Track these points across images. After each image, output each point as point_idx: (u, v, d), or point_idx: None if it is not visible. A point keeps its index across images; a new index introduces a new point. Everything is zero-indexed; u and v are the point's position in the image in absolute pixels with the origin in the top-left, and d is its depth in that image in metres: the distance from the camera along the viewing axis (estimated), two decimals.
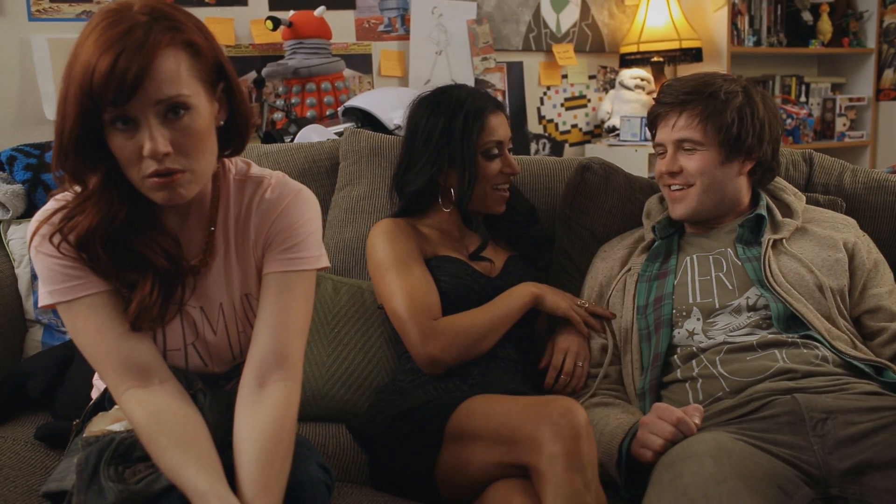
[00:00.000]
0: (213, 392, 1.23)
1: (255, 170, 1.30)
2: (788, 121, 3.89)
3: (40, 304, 1.19)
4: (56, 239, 1.13)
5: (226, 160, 1.28)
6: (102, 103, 1.04)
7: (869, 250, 1.65)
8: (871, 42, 3.99)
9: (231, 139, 1.22)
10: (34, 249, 1.16)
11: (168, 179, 1.09)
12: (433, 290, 1.63)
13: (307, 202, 1.28)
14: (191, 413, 1.15)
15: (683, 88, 1.65)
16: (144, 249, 1.15)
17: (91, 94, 1.03)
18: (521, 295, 1.66)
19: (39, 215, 1.17)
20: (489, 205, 1.75)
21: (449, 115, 1.70)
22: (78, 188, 1.14)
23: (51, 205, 1.17)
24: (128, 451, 1.14)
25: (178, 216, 1.23)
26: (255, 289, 1.27)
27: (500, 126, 1.73)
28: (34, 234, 1.15)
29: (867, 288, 1.59)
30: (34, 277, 1.96)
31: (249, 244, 1.26)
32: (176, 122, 1.08)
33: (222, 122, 1.19)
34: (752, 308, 1.55)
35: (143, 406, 1.13)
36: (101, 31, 1.05)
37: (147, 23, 1.06)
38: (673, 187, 1.68)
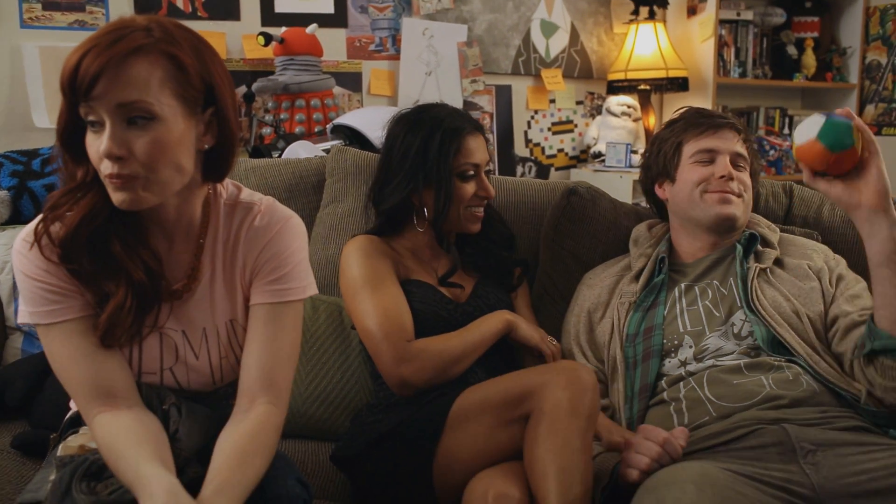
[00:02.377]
0: (188, 405, 1.23)
1: (245, 194, 1.29)
2: (771, 152, 3.94)
3: (20, 319, 1.20)
4: (40, 228, 1.14)
5: (217, 184, 1.27)
6: (72, 99, 1.07)
7: (832, 270, 1.67)
8: (854, 77, 4.05)
9: (212, 166, 1.21)
10: (16, 269, 1.17)
11: (122, 182, 1.09)
12: (407, 311, 1.60)
13: (295, 231, 1.28)
14: (151, 425, 1.16)
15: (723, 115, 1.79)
16: (124, 259, 1.16)
17: (62, 89, 1.06)
18: (495, 322, 1.65)
19: (24, 232, 1.17)
20: (463, 225, 1.73)
21: (426, 134, 1.68)
22: None
23: (39, 219, 1.18)
24: (100, 471, 1.14)
25: (166, 239, 1.23)
26: (241, 315, 1.27)
27: (477, 148, 1.71)
28: (17, 253, 1.17)
29: (830, 306, 1.61)
30: (16, 285, 1.95)
31: (237, 270, 1.26)
32: (138, 130, 1.08)
33: (207, 147, 1.18)
34: (737, 336, 1.57)
35: (109, 428, 1.13)
36: (94, 34, 1.08)
37: (133, 29, 1.08)
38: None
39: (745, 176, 1.73)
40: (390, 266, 1.67)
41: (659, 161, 1.80)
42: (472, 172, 1.70)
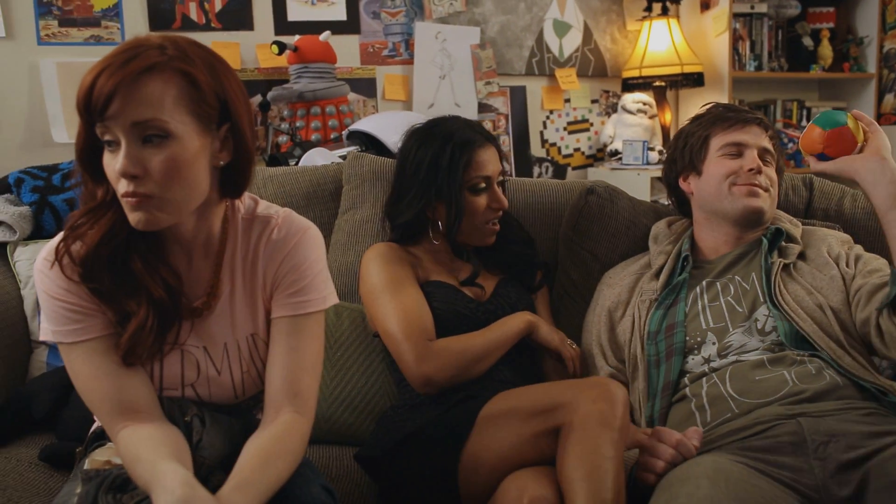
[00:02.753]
0: (211, 415, 1.23)
1: (262, 207, 1.30)
2: (790, 145, 3.90)
3: (42, 337, 1.22)
4: (61, 248, 1.15)
5: (235, 200, 1.28)
6: (89, 119, 1.08)
7: (848, 254, 1.66)
8: (872, 67, 4.00)
9: (229, 182, 1.21)
10: (38, 288, 1.19)
11: (137, 201, 1.09)
12: (427, 312, 1.63)
13: (313, 242, 1.28)
14: (173, 435, 1.17)
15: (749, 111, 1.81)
16: (144, 277, 1.16)
17: (79, 110, 1.07)
18: (517, 322, 1.66)
19: (45, 251, 1.19)
20: (478, 238, 1.75)
21: (437, 149, 1.69)
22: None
23: (60, 238, 1.20)
24: (125, 483, 1.15)
25: (185, 256, 1.23)
26: (262, 329, 1.28)
27: (489, 161, 1.71)
28: (38, 272, 1.18)
29: (851, 284, 1.60)
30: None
31: (257, 285, 1.26)
32: (153, 148, 1.08)
33: (223, 163, 1.18)
34: (761, 331, 1.56)
35: (132, 439, 1.15)
36: (108, 54, 1.09)
37: (147, 48, 1.08)
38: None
39: (772, 171, 1.73)
40: (409, 270, 1.68)
41: (685, 154, 1.80)
42: (483, 185, 1.71)
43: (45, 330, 1.19)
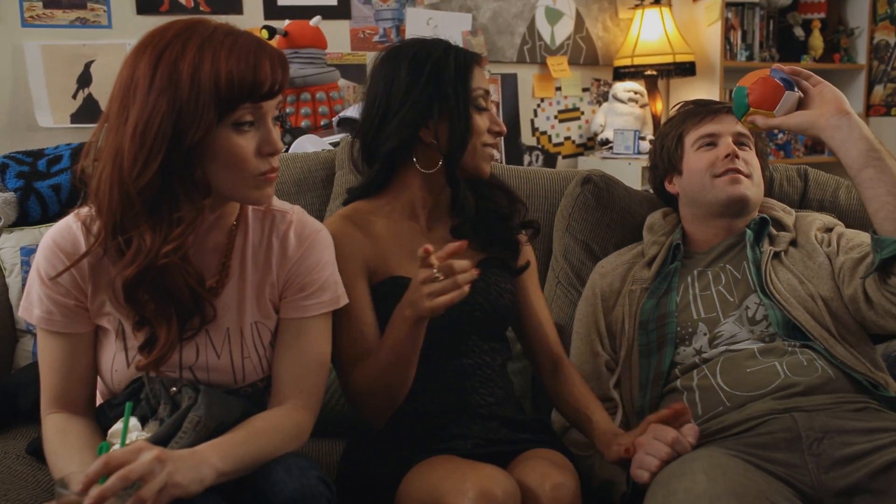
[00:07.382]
0: (202, 386, 1.22)
1: (276, 202, 1.32)
2: (780, 135, 3.91)
3: (21, 312, 1.25)
4: (117, 260, 1.16)
5: None
6: (254, 98, 1.11)
7: (831, 230, 1.67)
8: (862, 58, 4.02)
9: None
10: (36, 263, 1.20)
11: (273, 176, 1.18)
12: (363, 331, 1.41)
13: (325, 244, 1.32)
14: (92, 432, 1.21)
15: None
16: (174, 288, 1.16)
17: (247, 90, 1.10)
18: (399, 319, 1.33)
19: (60, 235, 1.20)
20: (478, 162, 1.49)
21: (438, 58, 1.46)
22: (92, 205, 1.16)
23: (73, 225, 1.20)
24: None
25: (198, 239, 1.23)
26: (266, 318, 1.29)
27: (484, 80, 1.53)
28: (44, 250, 1.19)
29: (835, 261, 1.60)
30: (24, 286, 1.94)
31: (268, 279, 1.28)
32: (274, 128, 1.18)
33: None
34: (752, 321, 1.56)
35: (56, 425, 1.22)
36: (231, 42, 1.11)
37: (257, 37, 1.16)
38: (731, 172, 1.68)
39: (751, 156, 1.72)
40: (358, 267, 1.44)
41: (664, 157, 1.81)
42: (483, 104, 1.50)
43: (25, 307, 1.23)
